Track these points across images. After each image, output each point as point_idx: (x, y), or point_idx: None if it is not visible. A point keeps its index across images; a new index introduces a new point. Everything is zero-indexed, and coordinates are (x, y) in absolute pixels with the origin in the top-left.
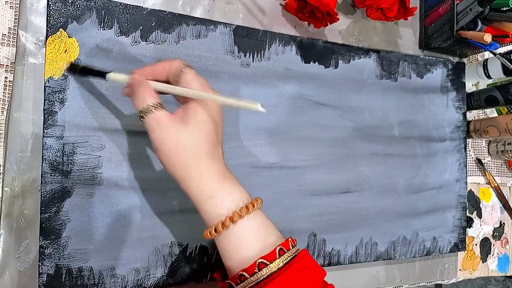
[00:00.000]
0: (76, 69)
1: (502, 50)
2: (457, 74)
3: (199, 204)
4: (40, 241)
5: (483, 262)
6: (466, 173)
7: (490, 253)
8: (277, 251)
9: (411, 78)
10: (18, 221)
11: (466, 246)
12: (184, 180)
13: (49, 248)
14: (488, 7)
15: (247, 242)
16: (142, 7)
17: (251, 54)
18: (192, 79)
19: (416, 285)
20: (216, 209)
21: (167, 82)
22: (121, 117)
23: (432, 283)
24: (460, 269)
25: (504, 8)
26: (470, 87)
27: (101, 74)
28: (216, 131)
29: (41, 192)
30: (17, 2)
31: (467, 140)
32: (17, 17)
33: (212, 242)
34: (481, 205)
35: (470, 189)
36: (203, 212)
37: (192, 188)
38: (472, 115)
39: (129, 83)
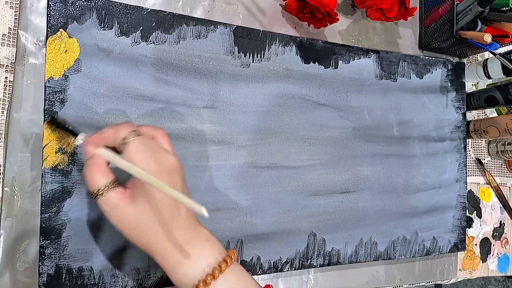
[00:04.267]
0: (55, 122)
1: (502, 50)
2: (456, 74)
3: (170, 274)
4: (40, 241)
5: (483, 262)
6: (466, 173)
7: (490, 253)
8: None
9: (410, 78)
10: (18, 221)
11: (466, 246)
12: (152, 254)
13: (49, 248)
14: (488, 7)
15: None
16: (142, 7)
17: (251, 55)
18: (135, 151)
19: (416, 285)
20: (190, 274)
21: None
22: (121, 117)
23: (432, 283)
24: (460, 269)
25: (504, 8)
26: (470, 87)
27: (74, 133)
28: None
29: (41, 192)
30: (17, 2)
31: (467, 140)
32: (17, 17)
33: None
34: (481, 205)
35: (470, 189)
36: (178, 281)
37: (160, 262)
38: (472, 115)
39: (83, 152)
